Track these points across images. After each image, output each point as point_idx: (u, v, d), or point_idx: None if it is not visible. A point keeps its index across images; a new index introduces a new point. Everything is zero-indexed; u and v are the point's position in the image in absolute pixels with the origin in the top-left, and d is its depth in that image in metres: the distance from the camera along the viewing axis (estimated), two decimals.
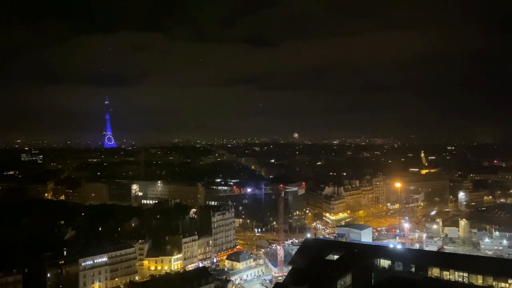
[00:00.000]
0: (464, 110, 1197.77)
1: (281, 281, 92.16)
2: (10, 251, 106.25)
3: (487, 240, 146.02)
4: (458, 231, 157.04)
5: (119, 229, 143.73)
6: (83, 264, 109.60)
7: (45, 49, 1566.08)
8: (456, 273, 75.69)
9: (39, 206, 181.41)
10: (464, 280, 74.79)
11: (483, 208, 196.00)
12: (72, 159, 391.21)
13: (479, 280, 74.16)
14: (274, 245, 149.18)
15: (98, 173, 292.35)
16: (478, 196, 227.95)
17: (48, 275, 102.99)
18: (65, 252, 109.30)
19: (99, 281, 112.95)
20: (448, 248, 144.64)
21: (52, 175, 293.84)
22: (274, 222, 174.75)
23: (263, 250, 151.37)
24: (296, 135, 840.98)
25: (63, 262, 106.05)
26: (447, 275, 76.40)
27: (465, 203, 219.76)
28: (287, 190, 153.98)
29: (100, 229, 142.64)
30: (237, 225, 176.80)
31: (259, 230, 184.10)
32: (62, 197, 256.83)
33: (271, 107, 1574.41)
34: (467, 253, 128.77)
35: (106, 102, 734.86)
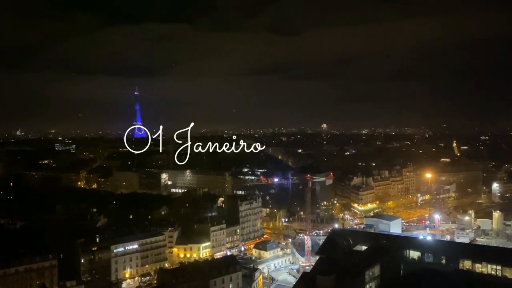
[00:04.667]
0: (498, 98, 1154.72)
1: (309, 270, 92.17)
2: (46, 237, 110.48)
3: None
4: (492, 223, 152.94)
5: (149, 217, 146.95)
6: (115, 250, 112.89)
7: (74, 41, 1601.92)
8: (489, 265, 73.70)
9: (73, 194, 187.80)
10: (497, 273, 72.76)
11: None
12: (104, 149, 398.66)
13: None
14: (301, 235, 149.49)
15: (129, 162, 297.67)
16: None
17: (82, 261, 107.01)
18: (97, 239, 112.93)
19: (130, 267, 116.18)
20: (481, 241, 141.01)
21: (84, 164, 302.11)
22: (301, 212, 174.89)
23: (290, 239, 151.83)
24: (324, 125, 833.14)
25: (95, 248, 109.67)
26: (479, 267, 74.52)
27: (499, 194, 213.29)
28: (314, 180, 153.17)
29: (131, 217, 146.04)
30: (264, 215, 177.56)
31: (286, 219, 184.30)
32: (94, 186, 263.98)
33: (298, 97, 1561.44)
34: (500, 246, 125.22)
35: (136, 93, 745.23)
